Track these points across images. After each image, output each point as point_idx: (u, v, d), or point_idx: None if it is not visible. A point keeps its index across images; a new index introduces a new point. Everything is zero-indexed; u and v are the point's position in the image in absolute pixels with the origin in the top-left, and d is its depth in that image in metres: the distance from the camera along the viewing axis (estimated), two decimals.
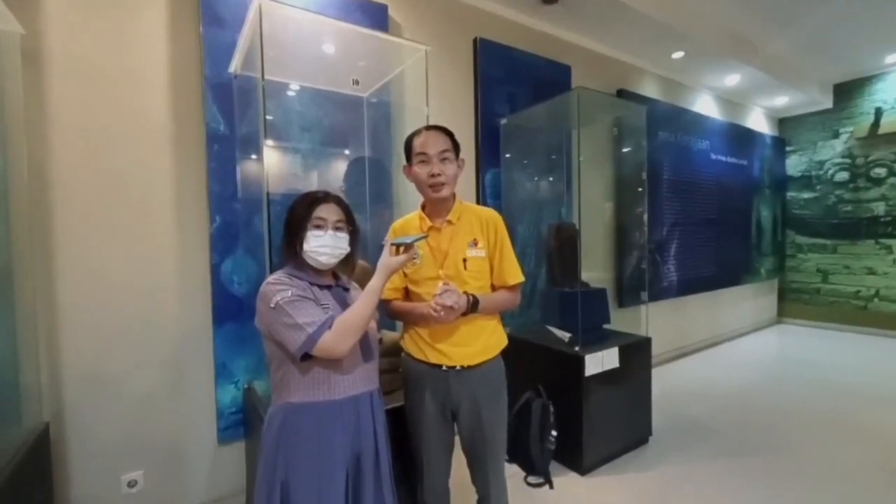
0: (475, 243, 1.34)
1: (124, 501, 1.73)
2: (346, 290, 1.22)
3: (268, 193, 1.53)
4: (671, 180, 4.14)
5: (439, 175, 1.29)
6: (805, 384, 3.54)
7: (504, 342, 1.43)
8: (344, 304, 1.15)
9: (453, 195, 1.37)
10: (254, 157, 1.93)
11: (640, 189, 3.29)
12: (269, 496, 1.05)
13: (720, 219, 4.68)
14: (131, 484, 1.74)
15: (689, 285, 4.33)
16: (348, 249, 1.17)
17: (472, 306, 1.27)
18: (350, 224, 1.18)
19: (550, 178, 3.27)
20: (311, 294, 1.09)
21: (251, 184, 1.93)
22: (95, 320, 1.68)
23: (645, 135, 3.23)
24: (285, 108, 2.04)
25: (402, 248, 1.15)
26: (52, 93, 1.61)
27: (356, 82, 2.02)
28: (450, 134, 1.34)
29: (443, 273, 1.32)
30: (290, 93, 2.05)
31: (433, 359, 1.33)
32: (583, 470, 2.25)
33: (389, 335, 1.83)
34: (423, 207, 1.40)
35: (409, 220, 1.42)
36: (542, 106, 2.86)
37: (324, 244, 1.10)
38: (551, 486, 2.14)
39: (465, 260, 1.33)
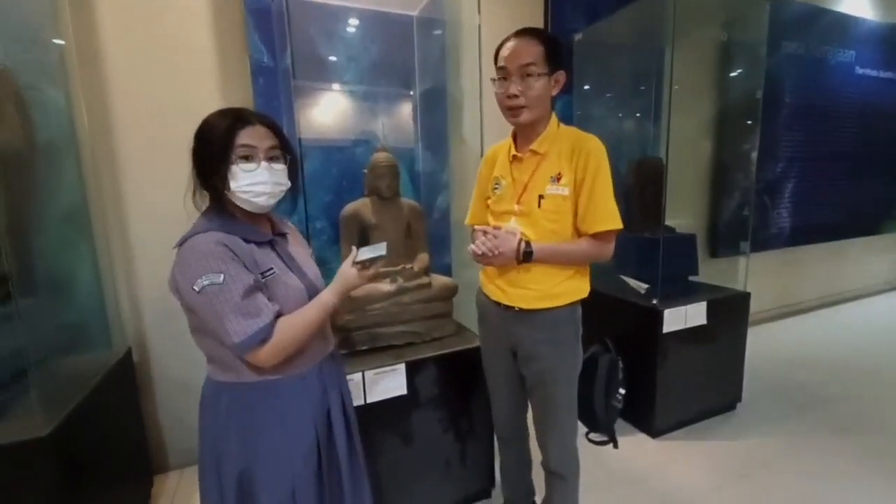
0: (558, 178, 1.11)
1: None
2: (284, 235, 1.01)
3: (300, 139, 1.43)
4: (794, 104, 3.36)
5: (517, 97, 1.08)
6: None
7: (579, 293, 1.21)
8: (289, 259, 0.96)
9: (545, 118, 1.14)
10: (302, 94, 1.82)
11: (749, 120, 2.69)
12: (220, 491, 0.91)
13: (857, 152, 3.78)
14: None
15: (806, 233, 3.63)
16: (289, 184, 0.94)
17: (525, 256, 1.09)
18: (287, 151, 0.93)
19: (634, 106, 2.79)
20: (250, 265, 0.86)
21: (299, 123, 1.84)
22: (162, 254, 1.76)
23: (764, 46, 2.57)
24: (322, 32, 1.87)
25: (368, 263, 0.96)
26: (100, 27, 1.61)
27: None
28: (546, 39, 1.08)
29: (518, 208, 1.15)
30: (327, 14, 1.86)
31: (493, 295, 1.25)
32: (654, 432, 2.05)
33: (438, 279, 1.72)
34: (514, 133, 1.21)
35: (500, 147, 1.28)
36: (626, 12, 2.36)
37: (258, 181, 0.86)
38: (615, 446, 1.98)
39: (541, 197, 1.12)
